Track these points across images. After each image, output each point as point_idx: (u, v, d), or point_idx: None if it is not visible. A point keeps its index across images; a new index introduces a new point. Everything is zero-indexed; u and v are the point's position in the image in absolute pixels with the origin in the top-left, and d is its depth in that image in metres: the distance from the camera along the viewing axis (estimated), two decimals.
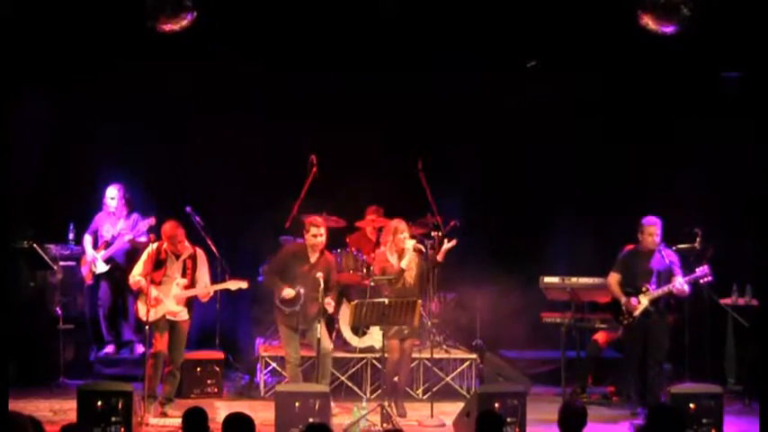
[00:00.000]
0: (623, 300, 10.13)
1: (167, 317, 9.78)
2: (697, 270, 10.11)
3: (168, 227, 9.83)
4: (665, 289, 10.05)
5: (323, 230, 9.94)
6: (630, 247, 10.32)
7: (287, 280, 9.96)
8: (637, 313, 10.07)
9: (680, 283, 10.01)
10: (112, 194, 11.36)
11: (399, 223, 10.17)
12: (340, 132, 11.78)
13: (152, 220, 10.91)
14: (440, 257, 10.25)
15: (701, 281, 10.12)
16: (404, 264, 10.05)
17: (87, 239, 11.37)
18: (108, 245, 11.31)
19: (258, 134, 11.89)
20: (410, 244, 10.05)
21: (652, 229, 10.11)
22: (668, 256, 10.16)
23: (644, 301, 10.05)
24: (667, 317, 10.28)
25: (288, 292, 9.86)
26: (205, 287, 9.87)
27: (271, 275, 10.15)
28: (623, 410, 10.27)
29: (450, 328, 11.61)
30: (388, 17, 10.81)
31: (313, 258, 9.96)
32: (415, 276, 10.12)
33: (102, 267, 11.32)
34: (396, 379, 10.11)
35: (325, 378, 9.77)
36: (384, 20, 10.92)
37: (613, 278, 10.28)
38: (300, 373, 9.96)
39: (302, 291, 9.83)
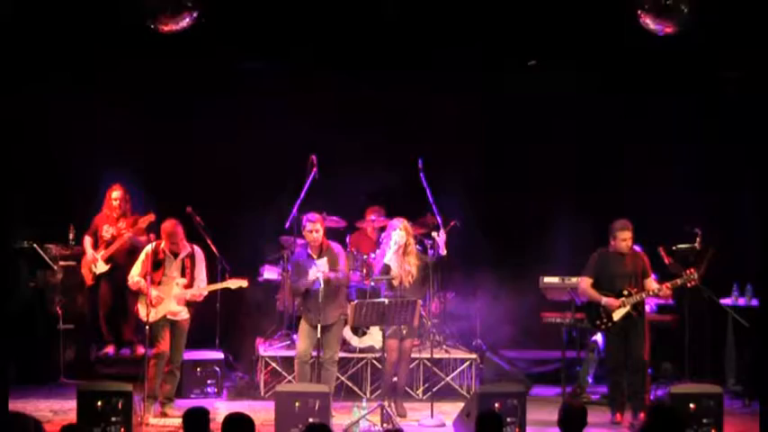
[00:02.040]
0: (604, 300, 9.92)
1: (168, 316, 9.78)
2: (684, 273, 10.04)
3: (168, 225, 9.83)
4: (651, 293, 10.00)
5: (318, 226, 9.91)
6: (601, 249, 10.15)
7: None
8: (617, 318, 9.94)
9: (666, 288, 9.95)
10: (117, 195, 11.35)
11: (395, 221, 10.16)
12: (340, 132, 11.78)
13: (151, 216, 10.90)
14: (443, 251, 10.15)
15: (688, 284, 10.08)
16: (386, 259, 10.01)
17: (87, 240, 11.37)
18: (108, 244, 11.31)
19: (258, 134, 11.90)
20: (395, 238, 10.02)
21: (625, 234, 9.95)
22: (642, 257, 10.15)
23: (627, 305, 9.94)
24: (644, 318, 10.19)
25: (312, 273, 9.75)
26: (199, 288, 9.86)
27: (295, 284, 10.04)
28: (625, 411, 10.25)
29: (450, 328, 11.61)
30: (389, 16, 10.81)
31: (315, 256, 9.91)
32: (415, 280, 10.08)
33: (102, 267, 11.31)
34: (395, 379, 10.10)
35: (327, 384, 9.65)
36: (384, 19, 10.92)
37: (586, 282, 10.08)
38: (308, 371, 9.83)
39: (320, 275, 9.73)
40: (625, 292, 9.93)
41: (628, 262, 10.04)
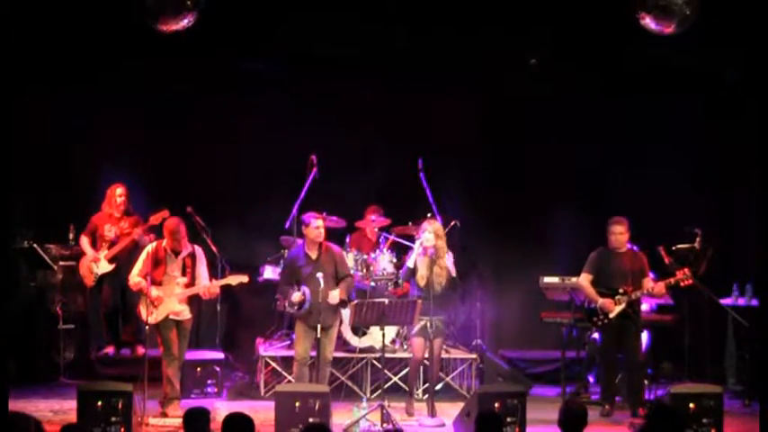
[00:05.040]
0: (600, 302, 10.06)
1: (171, 317, 9.76)
2: (677, 273, 10.09)
3: (171, 222, 9.82)
4: (645, 292, 10.07)
5: (321, 222, 9.94)
6: (602, 247, 10.28)
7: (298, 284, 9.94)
8: (613, 315, 10.04)
9: (660, 287, 10.04)
10: (120, 192, 11.31)
11: (425, 223, 9.99)
12: (340, 132, 11.78)
13: (165, 212, 10.72)
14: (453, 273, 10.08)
15: (682, 283, 10.11)
16: (409, 263, 9.95)
17: (84, 240, 11.32)
18: (111, 244, 11.28)
19: (258, 134, 11.91)
20: (421, 240, 9.92)
21: (617, 228, 10.14)
22: (641, 256, 10.19)
23: (622, 303, 10.03)
24: (641, 317, 10.26)
25: (295, 296, 9.81)
26: (204, 285, 9.86)
27: (282, 287, 10.04)
28: (623, 411, 10.24)
29: (450, 328, 11.60)
30: (389, 16, 10.83)
31: (314, 256, 9.93)
32: (445, 284, 9.90)
33: (105, 267, 11.28)
34: (435, 370, 10.05)
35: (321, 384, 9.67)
36: (383, 18, 10.92)
37: (585, 279, 10.22)
38: (306, 373, 9.86)
39: (307, 292, 9.75)
40: (621, 291, 10.05)
41: (626, 260, 10.15)
